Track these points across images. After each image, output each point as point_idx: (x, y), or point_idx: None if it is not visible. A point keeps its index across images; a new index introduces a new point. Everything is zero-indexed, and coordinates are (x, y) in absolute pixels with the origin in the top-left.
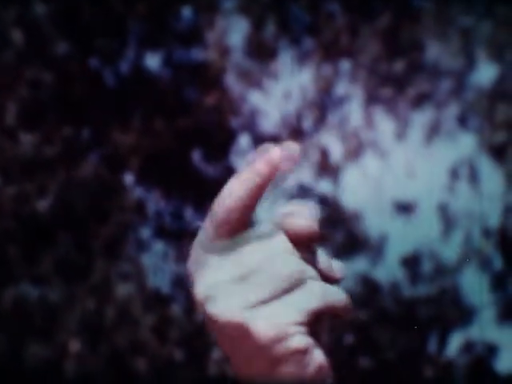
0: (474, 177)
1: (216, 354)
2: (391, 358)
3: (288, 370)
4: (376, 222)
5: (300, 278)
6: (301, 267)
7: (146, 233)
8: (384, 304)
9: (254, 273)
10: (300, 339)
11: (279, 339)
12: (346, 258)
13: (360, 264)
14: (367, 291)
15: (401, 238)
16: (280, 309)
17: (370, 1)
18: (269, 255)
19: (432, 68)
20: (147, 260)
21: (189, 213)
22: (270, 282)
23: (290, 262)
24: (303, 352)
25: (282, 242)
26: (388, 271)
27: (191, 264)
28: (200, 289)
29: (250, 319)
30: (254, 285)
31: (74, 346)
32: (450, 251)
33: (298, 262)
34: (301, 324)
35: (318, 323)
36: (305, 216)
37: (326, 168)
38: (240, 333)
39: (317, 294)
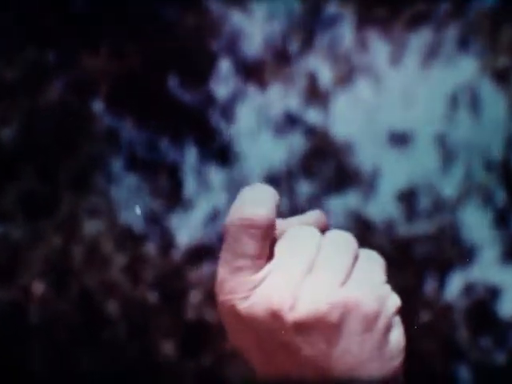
0: (475, 104)
1: (194, 298)
2: None
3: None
4: (369, 153)
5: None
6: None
7: (117, 165)
8: (378, 243)
9: (314, 262)
10: (393, 297)
11: (381, 305)
12: (336, 194)
13: (351, 200)
14: (360, 229)
15: (396, 172)
16: (356, 282)
17: None
18: (310, 243)
19: None
20: (118, 194)
21: (164, 143)
22: (333, 264)
23: (332, 243)
24: (399, 310)
25: (310, 230)
26: (382, 208)
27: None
28: (282, 296)
29: (350, 296)
30: (324, 271)
31: (39, 288)
32: (449, 186)
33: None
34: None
35: None
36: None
37: (315, 95)
38: (345, 313)
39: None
